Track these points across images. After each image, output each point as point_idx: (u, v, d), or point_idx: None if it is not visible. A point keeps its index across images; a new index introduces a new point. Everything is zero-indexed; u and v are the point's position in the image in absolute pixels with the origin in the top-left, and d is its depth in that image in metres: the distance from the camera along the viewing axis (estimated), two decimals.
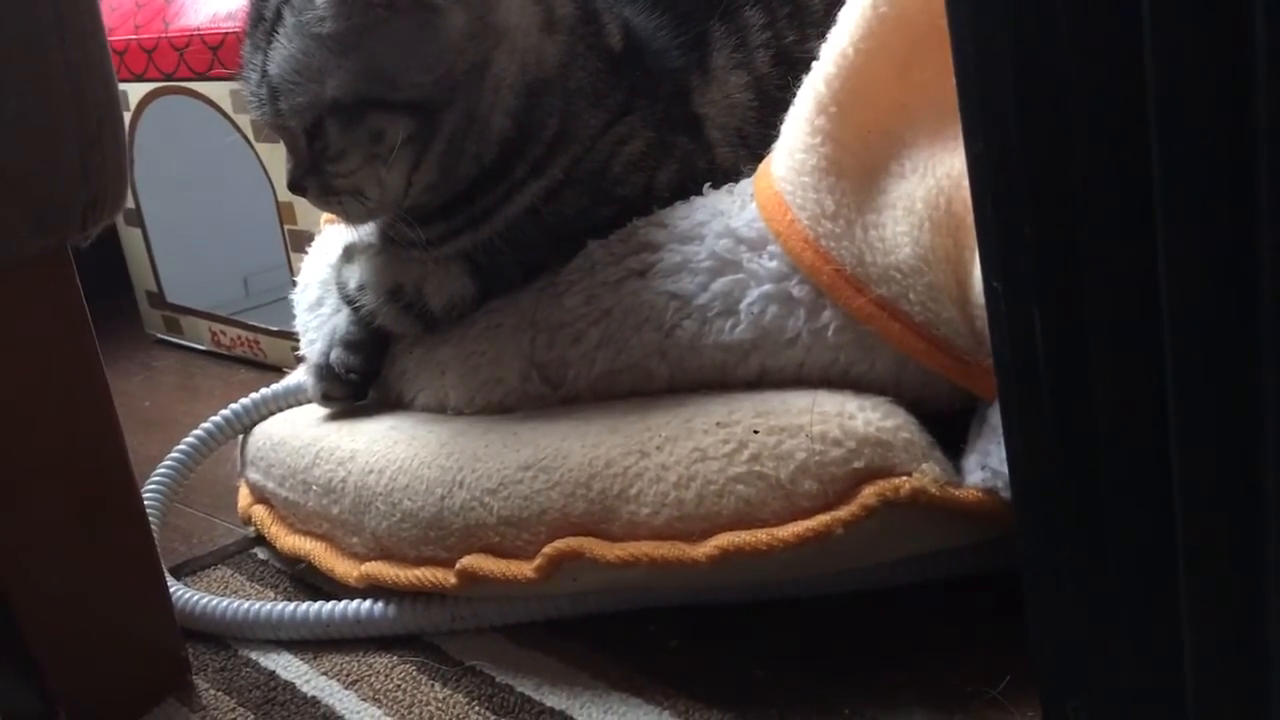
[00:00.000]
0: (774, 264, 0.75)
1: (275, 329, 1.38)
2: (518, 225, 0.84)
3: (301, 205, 1.28)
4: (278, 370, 1.41)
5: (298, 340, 1.30)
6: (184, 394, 1.45)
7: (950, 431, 0.73)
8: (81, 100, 0.63)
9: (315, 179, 0.82)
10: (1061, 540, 0.54)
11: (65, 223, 0.64)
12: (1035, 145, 0.47)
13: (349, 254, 0.91)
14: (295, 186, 0.84)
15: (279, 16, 0.78)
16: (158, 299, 1.56)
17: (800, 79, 0.90)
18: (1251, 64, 0.38)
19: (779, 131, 0.91)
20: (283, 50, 0.78)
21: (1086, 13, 0.43)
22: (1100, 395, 0.50)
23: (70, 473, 0.69)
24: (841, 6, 0.95)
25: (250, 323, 1.43)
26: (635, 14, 0.91)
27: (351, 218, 0.85)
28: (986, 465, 0.69)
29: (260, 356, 1.44)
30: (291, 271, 1.33)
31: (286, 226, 1.31)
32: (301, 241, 1.29)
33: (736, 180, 0.88)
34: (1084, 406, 0.50)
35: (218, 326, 1.48)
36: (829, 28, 0.94)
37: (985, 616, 0.73)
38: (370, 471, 0.81)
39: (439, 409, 0.88)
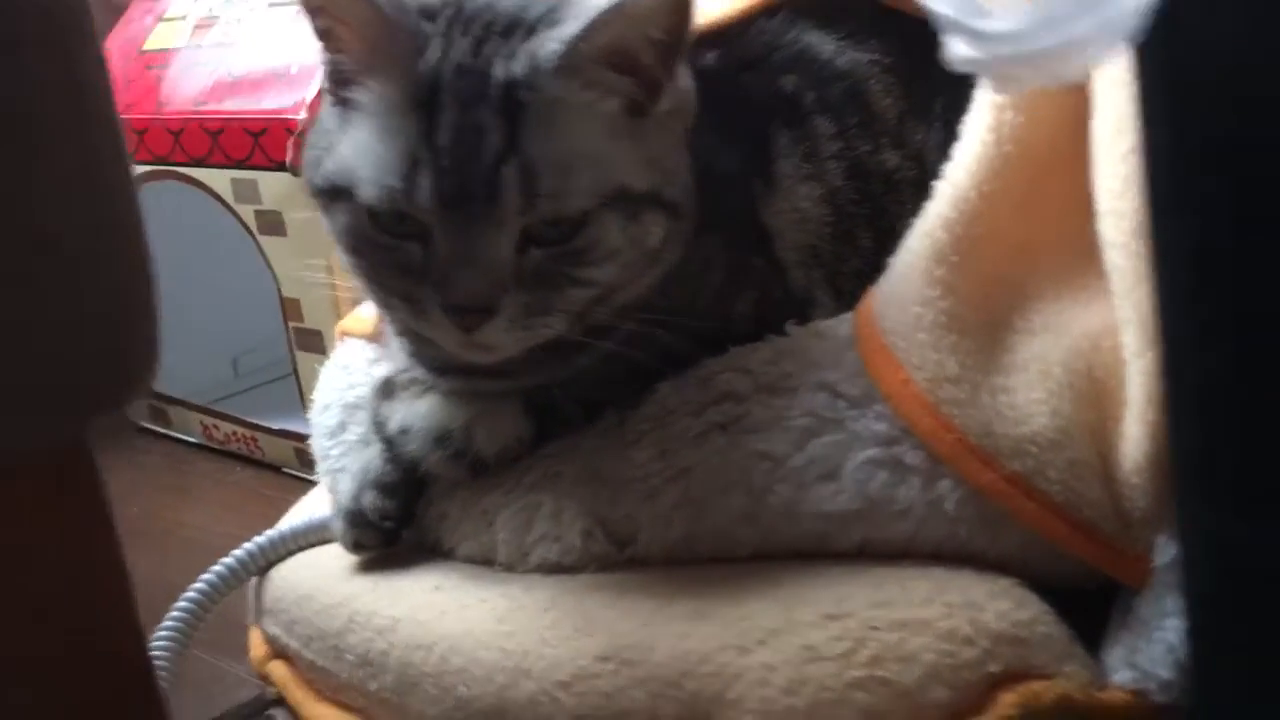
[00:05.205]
0: (881, 426, 0.67)
1: (275, 427, 1.29)
2: (597, 365, 0.75)
3: (309, 302, 1.19)
4: (275, 470, 1.32)
5: (298, 439, 1.21)
6: (174, 496, 1.35)
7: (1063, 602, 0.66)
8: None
9: (520, 295, 0.67)
10: None
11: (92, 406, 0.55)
12: None
13: (389, 389, 0.82)
14: (483, 309, 0.67)
15: (512, 90, 0.66)
16: None
17: (875, 193, 0.82)
18: None
19: (856, 246, 0.83)
20: (548, 129, 0.66)
21: None
22: None
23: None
24: (914, 114, 0.88)
25: (246, 419, 1.33)
26: None
27: (514, 347, 0.70)
28: (1134, 663, 0.61)
29: (258, 455, 1.34)
30: (296, 371, 1.24)
31: (292, 324, 1.21)
32: (310, 341, 1.20)
33: (811, 308, 0.80)
34: None
35: (210, 420, 1.38)
36: (903, 137, 0.88)
37: None
38: (417, 646, 0.72)
39: (484, 561, 0.79)
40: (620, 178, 0.68)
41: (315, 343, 1.19)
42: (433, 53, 0.67)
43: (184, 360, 1.43)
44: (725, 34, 0.88)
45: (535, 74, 0.66)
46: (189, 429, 1.42)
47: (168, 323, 1.53)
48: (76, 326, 0.53)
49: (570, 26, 0.66)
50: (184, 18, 1.35)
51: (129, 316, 0.56)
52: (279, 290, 1.21)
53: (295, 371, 1.24)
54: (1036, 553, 0.65)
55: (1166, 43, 0.39)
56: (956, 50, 0.37)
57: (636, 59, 0.68)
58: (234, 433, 1.35)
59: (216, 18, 1.31)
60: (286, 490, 1.20)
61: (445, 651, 0.71)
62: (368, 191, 0.67)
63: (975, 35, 0.35)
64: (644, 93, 0.69)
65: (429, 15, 0.69)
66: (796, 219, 0.84)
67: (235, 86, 1.20)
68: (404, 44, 0.67)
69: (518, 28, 0.69)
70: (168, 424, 1.45)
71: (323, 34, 0.70)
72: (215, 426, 1.38)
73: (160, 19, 1.38)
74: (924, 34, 0.45)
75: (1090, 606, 0.67)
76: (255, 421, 1.32)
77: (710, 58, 0.87)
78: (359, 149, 0.68)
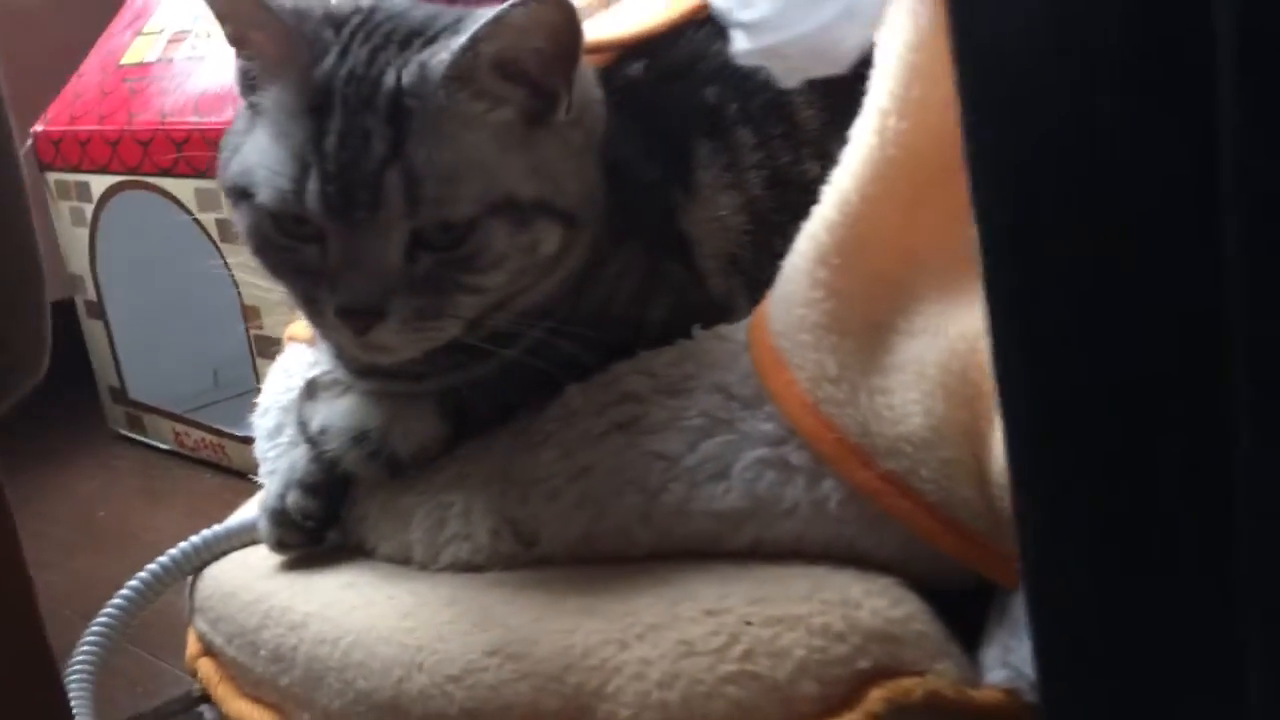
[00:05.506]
0: (770, 426, 0.68)
1: (241, 434, 1.31)
2: (507, 368, 0.76)
3: (268, 308, 1.21)
4: (242, 476, 1.34)
5: None
6: (144, 500, 1.37)
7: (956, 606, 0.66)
8: None
9: (411, 299, 0.69)
10: None
11: None
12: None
13: (312, 390, 0.84)
14: (372, 311, 0.68)
15: (400, 99, 0.68)
16: (120, 395, 1.48)
17: (796, 202, 0.83)
18: None
19: (776, 254, 0.84)
20: (434, 137, 0.68)
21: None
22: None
23: None
24: (837, 125, 0.89)
25: (215, 426, 1.35)
26: None
27: (409, 349, 0.72)
28: (1008, 663, 0.61)
29: (226, 461, 1.36)
30: (257, 378, 1.26)
31: (252, 330, 1.24)
32: (268, 347, 1.22)
33: (729, 315, 0.81)
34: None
35: (181, 428, 1.41)
36: (826, 147, 0.88)
37: None
38: (323, 641, 0.73)
39: (402, 561, 0.80)
40: (508, 186, 0.69)
41: (275, 349, 1.21)
42: (329, 60, 0.69)
43: (165, 370, 1.46)
44: (654, 44, 0.90)
45: (423, 83, 0.68)
46: (162, 436, 1.45)
47: (145, 333, 1.55)
48: None
49: (460, 38, 0.68)
50: (160, 31, 1.38)
51: (14, 313, 0.57)
52: (240, 298, 1.23)
53: (257, 378, 1.26)
54: (917, 553, 0.66)
55: (960, 32, 0.40)
56: (737, 43, 0.38)
57: (525, 70, 0.69)
58: (203, 440, 1.38)
59: (189, 32, 1.34)
60: (251, 496, 1.22)
61: (348, 646, 0.72)
62: (264, 193, 0.69)
63: (742, 26, 0.36)
64: (540, 103, 0.71)
65: (336, 24, 0.71)
66: (716, 227, 0.85)
67: (201, 99, 1.23)
68: (302, 51, 0.69)
69: (418, 37, 0.70)
70: (142, 431, 1.48)
71: (233, 40, 0.72)
72: (186, 434, 1.40)
73: (139, 33, 1.41)
74: None
75: (980, 609, 0.68)
76: (221, 429, 1.34)
77: (637, 67, 0.88)
78: (259, 152, 0.69)
